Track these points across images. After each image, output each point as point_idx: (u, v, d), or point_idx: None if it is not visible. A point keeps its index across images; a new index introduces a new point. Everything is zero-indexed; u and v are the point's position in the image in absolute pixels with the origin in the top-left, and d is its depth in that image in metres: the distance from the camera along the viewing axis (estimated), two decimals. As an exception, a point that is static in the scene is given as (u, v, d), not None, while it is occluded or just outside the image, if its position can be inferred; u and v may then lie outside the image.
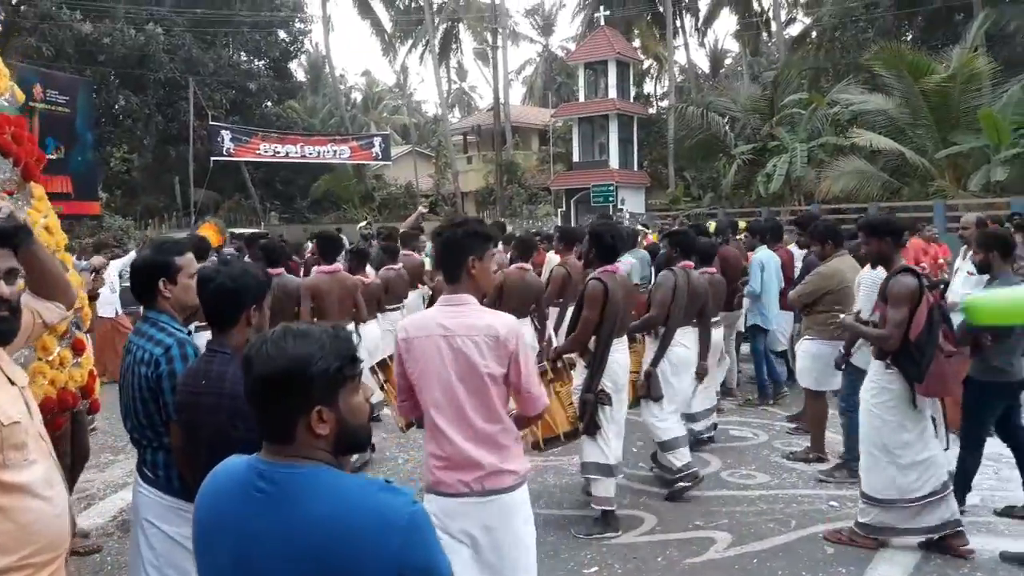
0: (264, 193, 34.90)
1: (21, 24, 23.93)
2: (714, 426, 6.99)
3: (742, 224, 12.38)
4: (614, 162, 29.66)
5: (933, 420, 4.57)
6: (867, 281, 5.45)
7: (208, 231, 8.98)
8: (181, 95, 24.77)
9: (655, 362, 5.57)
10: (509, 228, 14.79)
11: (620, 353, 5.04)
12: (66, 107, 19.99)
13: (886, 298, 4.48)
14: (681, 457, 5.60)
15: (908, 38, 29.06)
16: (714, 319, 6.41)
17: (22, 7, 24.83)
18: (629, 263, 8.65)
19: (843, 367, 5.53)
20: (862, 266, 5.75)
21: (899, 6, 28.54)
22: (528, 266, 7.16)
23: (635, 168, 31.00)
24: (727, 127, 26.62)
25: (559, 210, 29.43)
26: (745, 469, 6.23)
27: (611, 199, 25.77)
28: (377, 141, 29.12)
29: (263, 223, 30.69)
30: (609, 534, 4.99)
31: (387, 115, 58.35)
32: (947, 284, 7.20)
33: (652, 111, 36.33)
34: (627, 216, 23.32)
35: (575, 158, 31.55)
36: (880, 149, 20.02)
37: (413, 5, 38.91)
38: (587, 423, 4.90)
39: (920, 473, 4.46)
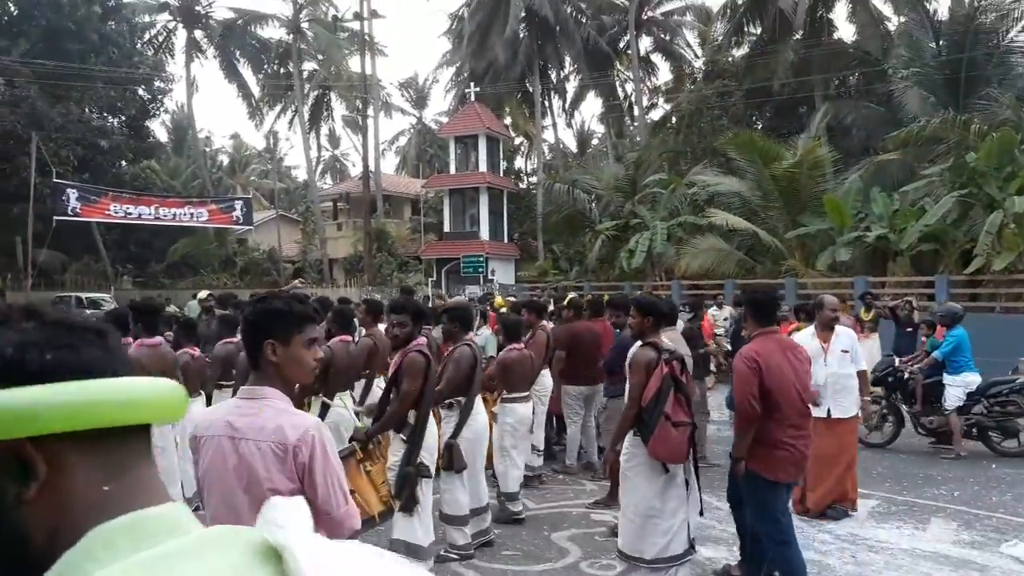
0: (116, 255, 32.95)
1: None
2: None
3: (607, 297, 12.54)
4: (484, 234, 29.88)
5: (687, 484, 4.82)
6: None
7: None
8: (23, 150, 23.09)
9: (455, 434, 5.68)
10: (379, 297, 14.34)
11: (432, 425, 5.11)
12: None
13: (629, 367, 4.90)
14: (462, 537, 5.71)
15: (759, 126, 31.09)
16: (522, 393, 6.76)
17: None
18: (484, 335, 8.56)
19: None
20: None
21: (749, 96, 30.57)
22: (349, 338, 6.87)
23: (505, 240, 31.34)
24: (592, 204, 27.41)
25: (430, 279, 29.22)
26: (606, 559, 5.91)
27: (481, 270, 25.83)
28: (239, 205, 28.14)
29: (113, 287, 28.87)
30: None
31: (255, 179, 57.12)
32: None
33: (522, 186, 37.11)
34: (496, 287, 23.36)
35: (446, 228, 31.61)
36: (735, 228, 20.99)
37: (282, 71, 38.44)
38: (407, 499, 4.87)
39: (662, 535, 4.69)
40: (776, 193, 20.96)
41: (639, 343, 5.00)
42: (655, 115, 38.67)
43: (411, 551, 4.86)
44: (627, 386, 4.91)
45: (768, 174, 20.70)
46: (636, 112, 37.03)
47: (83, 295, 24.32)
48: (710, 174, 24.36)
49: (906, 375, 9.47)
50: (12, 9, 26.12)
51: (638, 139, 34.84)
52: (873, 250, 18.62)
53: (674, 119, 35.70)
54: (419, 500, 4.90)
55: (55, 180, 22.89)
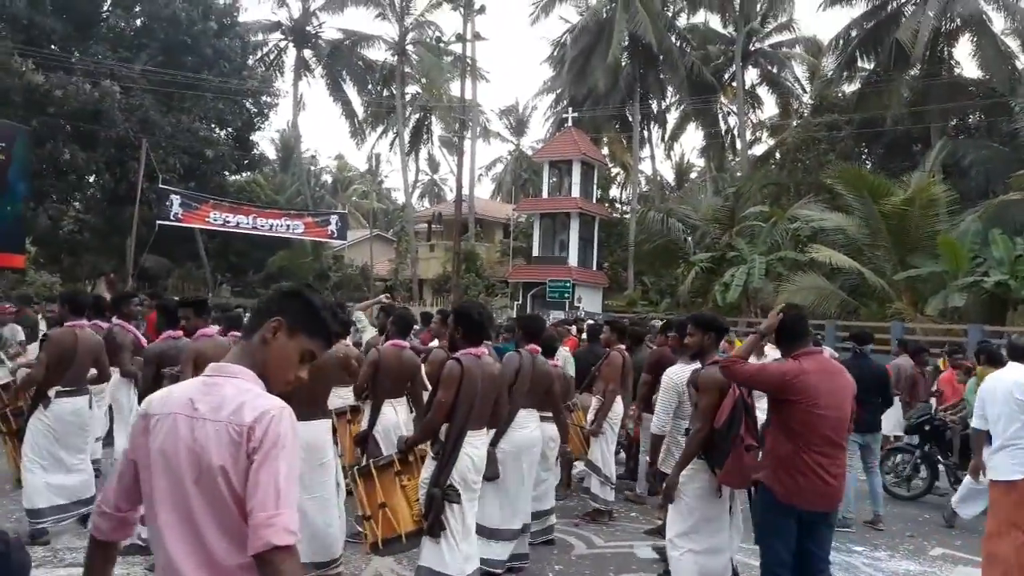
0: (217, 264, 34.04)
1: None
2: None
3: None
4: (573, 259, 29.40)
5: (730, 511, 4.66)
6: (664, 383, 5.47)
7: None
8: (133, 155, 24.05)
9: (494, 442, 5.20)
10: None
11: (476, 448, 4.58)
12: (0, 154, 19.17)
13: (697, 387, 4.60)
14: (490, 552, 5.21)
15: (868, 164, 29.70)
16: (542, 413, 5.87)
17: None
18: (563, 355, 8.12)
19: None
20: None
21: (859, 132, 29.25)
22: (405, 343, 6.38)
23: (594, 267, 30.76)
24: (687, 235, 26.61)
25: (515, 303, 28.89)
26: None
27: (567, 295, 25.32)
28: (334, 219, 28.53)
29: (211, 294, 29.71)
30: None
31: (356, 199, 58.38)
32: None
33: (616, 215, 36.51)
34: (583, 314, 22.82)
35: (535, 252, 31.29)
36: (839, 267, 19.90)
37: (385, 93, 39.20)
38: (432, 523, 4.44)
39: (721, 564, 4.57)
40: (885, 232, 19.79)
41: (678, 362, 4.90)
42: (758, 150, 37.62)
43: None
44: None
45: (877, 211, 19.56)
46: (739, 146, 36.06)
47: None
48: (814, 209, 23.27)
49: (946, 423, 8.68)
50: (136, 24, 27.39)
51: (739, 174, 33.88)
52: (990, 297, 17.25)
53: (778, 154, 34.63)
54: (447, 526, 4.42)
55: (161, 186, 23.70)
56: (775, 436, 4.29)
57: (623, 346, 7.80)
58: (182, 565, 1.86)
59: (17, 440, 6.40)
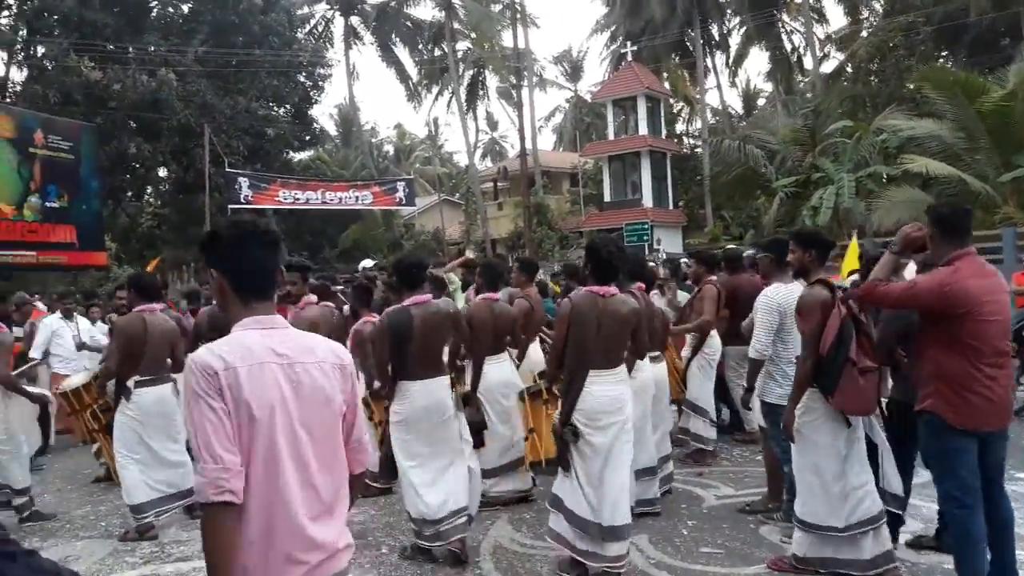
0: (293, 244, 34.34)
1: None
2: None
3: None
4: (648, 201, 28.44)
5: (869, 440, 4.34)
6: (762, 304, 5.05)
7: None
8: (196, 142, 24.16)
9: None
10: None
11: (602, 387, 4.35)
12: (69, 154, 19.35)
13: (799, 311, 4.31)
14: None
15: (951, 67, 27.71)
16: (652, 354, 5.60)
17: (21, 54, 24.63)
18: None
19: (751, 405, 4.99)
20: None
21: (939, 31, 27.25)
22: (496, 295, 6.09)
23: (670, 207, 29.73)
24: (766, 161, 25.35)
25: (592, 252, 28.13)
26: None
27: (646, 238, 24.41)
28: (400, 186, 28.23)
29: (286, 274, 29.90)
30: None
31: (419, 166, 58.23)
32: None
33: (686, 150, 35.22)
34: (663, 256, 22.03)
35: (607, 198, 30.42)
36: (935, 176, 18.57)
37: (437, 52, 38.60)
38: (557, 456, 4.53)
39: (851, 498, 4.19)
40: (984, 132, 18.32)
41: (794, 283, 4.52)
42: (827, 67, 35.53)
43: (557, 504, 4.46)
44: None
45: (973, 111, 18.13)
46: (807, 64, 34.25)
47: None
48: (900, 118, 21.76)
49: None
50: (184, 10, 27.38)
51: (808, 95, 32.14)
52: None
53: (849, 68, 32.74)
54: (570, 464, 4.36)
55: (227, 169, 23.76)
56: (935, 356, 3.84)
57: (713, 277, 7.24)
58: (295, 504, 1.96)
59: (108, 436, 6.20)
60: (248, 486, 1.91)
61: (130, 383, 5.75)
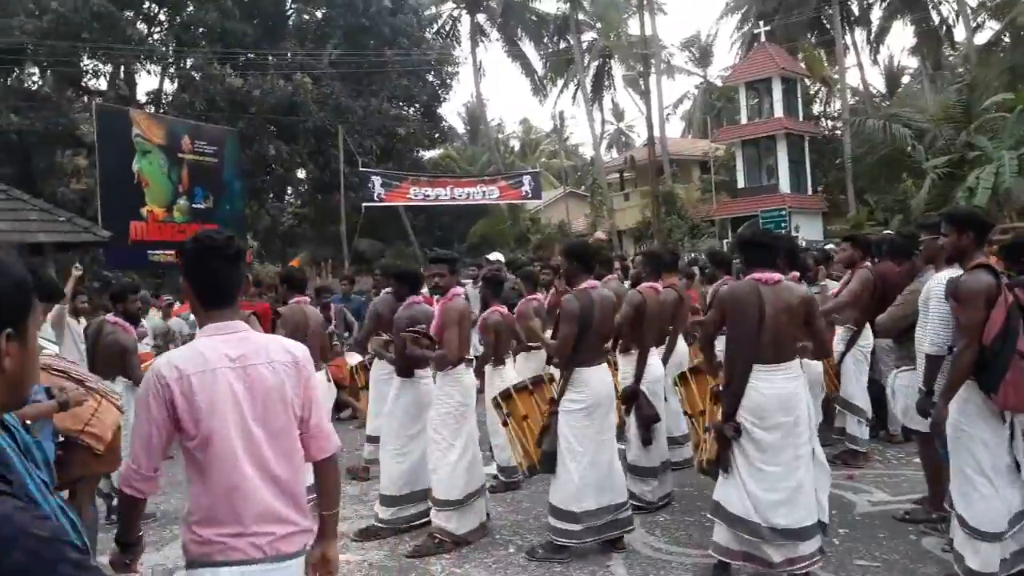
0: (424, 240, 35.09)
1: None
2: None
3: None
4: (784, 186, 27.19)
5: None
6: (938, 293, 4.36)
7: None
8: (331, 143, 25.04)
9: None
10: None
11: (768, 383, 4.04)
12: (214, 157, 20.39)
13: (957, 298, 3.88)
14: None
15: None
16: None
17: (172, 67, 26.16)
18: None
19: (924, 412, 4.34)
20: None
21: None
22: (659, 285, 5.96)
23: (808, 192, 28.31)
24: (914, 141, 23.67)
25: (724, 241, 27.21)
26: None
27: (784, 225, 23.33)
28: (527, 179, 28.17)
29: (423, 268, 30.53)
30: None
31: (544, 160, 58.27)
32: None
33: (824, 132, 33.43)
34: (803, 243, 20.96)
35: (740, 184, 29.32)
36: (1115, 149, 16.75)
37: (562, 44, 38.37)
38: (718, 456, 4.24)
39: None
40: None
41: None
42: (981, 38, 32.75)
43: (719, 513, 4.17)
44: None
45: None
46: (957, 36, 31.72)
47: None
48: (1070, 87, 19.81)
49: None
50: (317, 15, 28.39)
51: (960, 69, 29.78)
52: None
53: (1006, 36, 30.13)
54: (732, 464, 4.12)
55: (361, 169, 24.48)
56: None
57: (869, 264, 6.63)
58: (247, 486, 2.25)
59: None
60: (210, 475, 2.26)
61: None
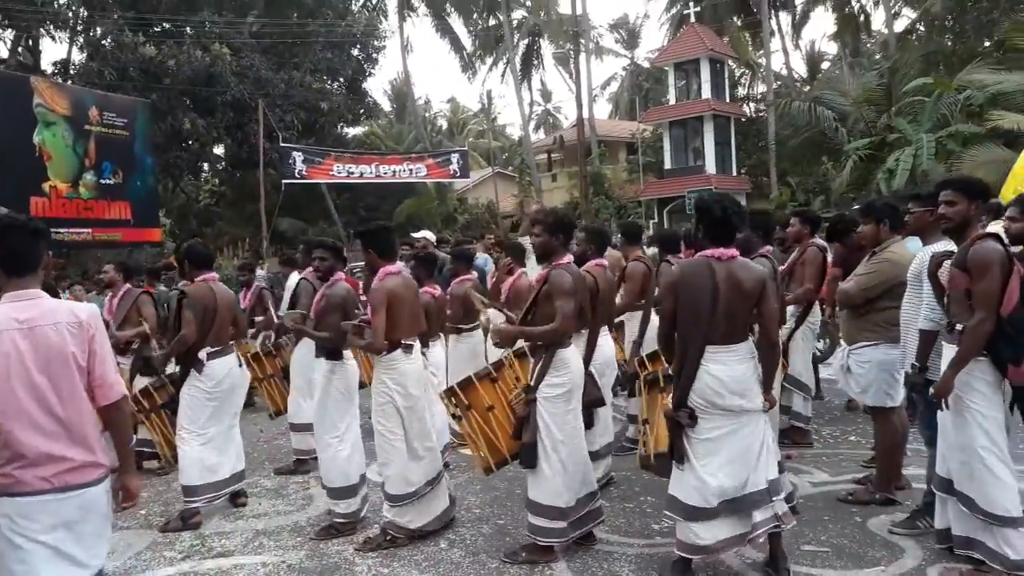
0: (348, 220, 34.20)
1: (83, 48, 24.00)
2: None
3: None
4: (711, 167, 27.43)
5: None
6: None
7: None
8: (251, 117, 23.95)
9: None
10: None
11: (722, 364, 3.78)
12: (124, 130, 19.27)
13: (965, 269, 3.70)
14: None
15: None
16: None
17: (80, 32, 24.73)
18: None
19: (915, 386, 4.16)
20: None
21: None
22: (605, 262, 5.74)
23: (734, 173, 28.63)
24: (837, 123, 24.11)
25: (651, 222, 27.28)
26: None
27: (709, 206, 23.50)
28: (455, 157, 27.64)
29: (347, 249, 29.77)
30: None
31: (472, 140, 57.78)
32: None
33: (748, 114, 33.89)
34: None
35: (667, 165, 29.47)
36: (1025, 132, 17.28)
37: (492, 22, 37.85)
38: (671, 446, 3.95)
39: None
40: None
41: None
42: (898, 26, 33.67)
43: (677, 509, 3.86)
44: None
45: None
46: (875, 25, 32.55)
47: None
48: (985, 73, 20.36)
49: None
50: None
51: (878, 56, 30.52)
52: None
53: (921, 26, 31.04)
54: (686, 452, 3.85)
55: (282, 144, 23.52)
56: None
57: (816, 240, 6.53)
58: (32, 429, 2.70)
59: (163, 413, 5.84)
60: (5, 417, 2.67)
61: (202, 355, 5.39)
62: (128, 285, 6.89)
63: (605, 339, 5.41)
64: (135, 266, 7.70)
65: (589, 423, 4.96)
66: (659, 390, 4.60)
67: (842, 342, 5.47)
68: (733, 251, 3.78)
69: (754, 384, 3.83)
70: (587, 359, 5.00)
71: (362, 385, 5.49)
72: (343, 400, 5.09)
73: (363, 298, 5.97)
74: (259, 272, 11.30)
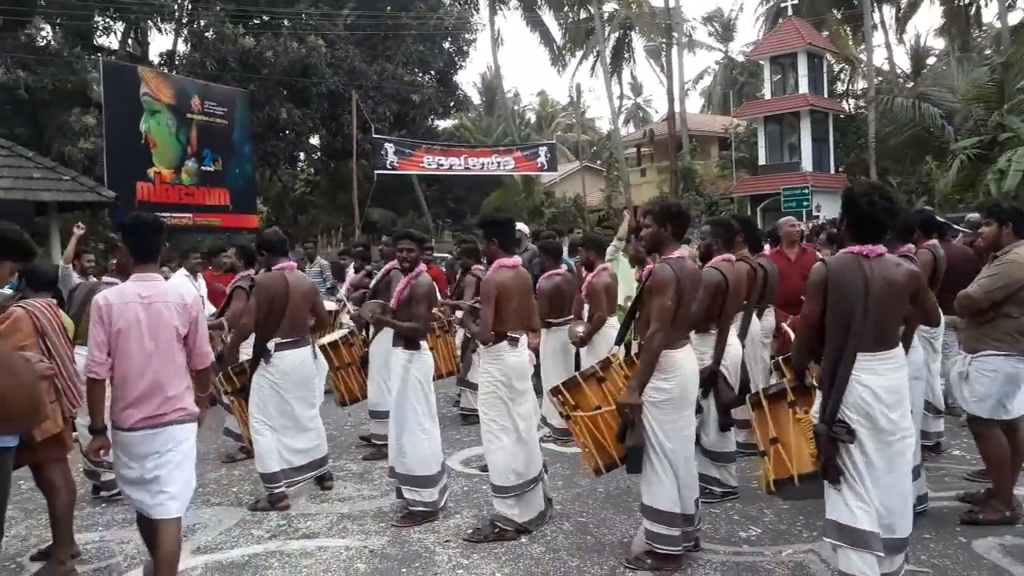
0: (437, 211, 34.64)
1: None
2: None
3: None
4: (807, 164, 26.57)
5: None
6: None
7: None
8: (345, 108, 24.45)
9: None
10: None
11: (877, 374, 3.37)
12: (223, 119, 19.92)
13: None
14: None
15: None
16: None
17: (185, 24, 25.61)
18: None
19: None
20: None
21: None
22: (732, 257, 5.57)
23: (831, 171, 27.65)
24: (944, 120, 22.97)
25: (743, 221, 26.60)
26: None
27: (806, 204, 22.72)
28: (543, 151, 27.61)
29: (434, 240, 30.17)
30: None
31: (560, 133, 57.60)
32: None
33: (848, 111, 32.64)
34: (824, 222, 20.41)
35: (761, 161, 28.67)
36: None
37: (583, 15, 37.58)
38: (823, 465, 3.43)
39: None
40: None
41: None
42: (1012, 18, 31.76)
43: (844, 535, 3.36)
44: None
45: None
46: (985, 17, 30.82)
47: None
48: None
49: None
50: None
51: (988, 51, 28.88)
52: None
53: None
54: (844, 471, 3.39)
55: (374, 136, 23.94)
56: None
57: (932, 242, 6.04)
58: (140, 380, 3.66)
59: (242, 399, 5.96)
60: (121, 367, 3.65)
61: (270, 345, 5.47)
62: (250, 271, 6.81)
63: (734, 338, 5.22)
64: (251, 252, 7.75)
65: (726, 425, 4.86)
66: (788, 403, 4.00)
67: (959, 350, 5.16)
68: (880, 248, 3.43)
69: (907, 399, 3.48)
70: (716, 359, 4.89)
71: (439, 376, 5.50)
72: (421, 389, 5.12)
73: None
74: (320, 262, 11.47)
